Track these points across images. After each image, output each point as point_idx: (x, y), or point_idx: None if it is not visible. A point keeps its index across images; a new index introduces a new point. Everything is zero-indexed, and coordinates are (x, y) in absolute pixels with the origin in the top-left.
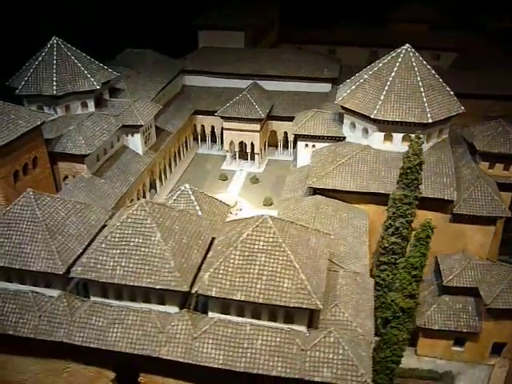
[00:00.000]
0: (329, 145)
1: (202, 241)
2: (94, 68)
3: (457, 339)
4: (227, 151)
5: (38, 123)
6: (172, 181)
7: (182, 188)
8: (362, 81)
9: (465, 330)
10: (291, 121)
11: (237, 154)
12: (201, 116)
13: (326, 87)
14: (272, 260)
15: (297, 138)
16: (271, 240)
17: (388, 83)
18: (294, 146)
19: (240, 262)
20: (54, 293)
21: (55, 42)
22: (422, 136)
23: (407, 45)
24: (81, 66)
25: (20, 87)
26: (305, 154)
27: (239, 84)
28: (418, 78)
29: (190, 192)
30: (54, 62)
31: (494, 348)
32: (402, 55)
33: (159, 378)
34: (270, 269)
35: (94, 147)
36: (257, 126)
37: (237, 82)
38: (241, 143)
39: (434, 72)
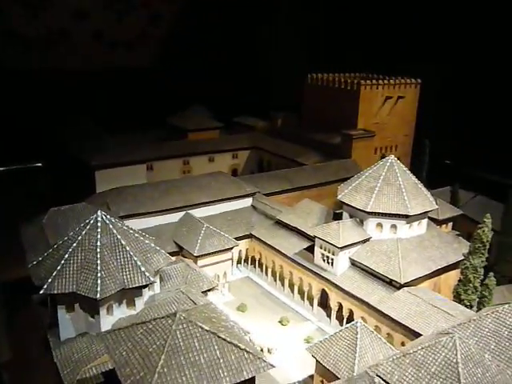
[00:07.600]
0: (360, 247)
1: None
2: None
3: None
4: None
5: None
6: None
7: None
8: (377, 189)
9: None
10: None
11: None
12: None
13: (248, 201)
14: None
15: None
16: None
17: (402, 187)
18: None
19: None
20: None
21: (102, 217)
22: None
23: (392, 156)
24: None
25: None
26: (343, 260)
27: (170, 218)
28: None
29: None
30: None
31: None
32: (387, 164)
33: None
34: None
35: None
36: (229, 254)
37: (167, 217)
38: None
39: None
